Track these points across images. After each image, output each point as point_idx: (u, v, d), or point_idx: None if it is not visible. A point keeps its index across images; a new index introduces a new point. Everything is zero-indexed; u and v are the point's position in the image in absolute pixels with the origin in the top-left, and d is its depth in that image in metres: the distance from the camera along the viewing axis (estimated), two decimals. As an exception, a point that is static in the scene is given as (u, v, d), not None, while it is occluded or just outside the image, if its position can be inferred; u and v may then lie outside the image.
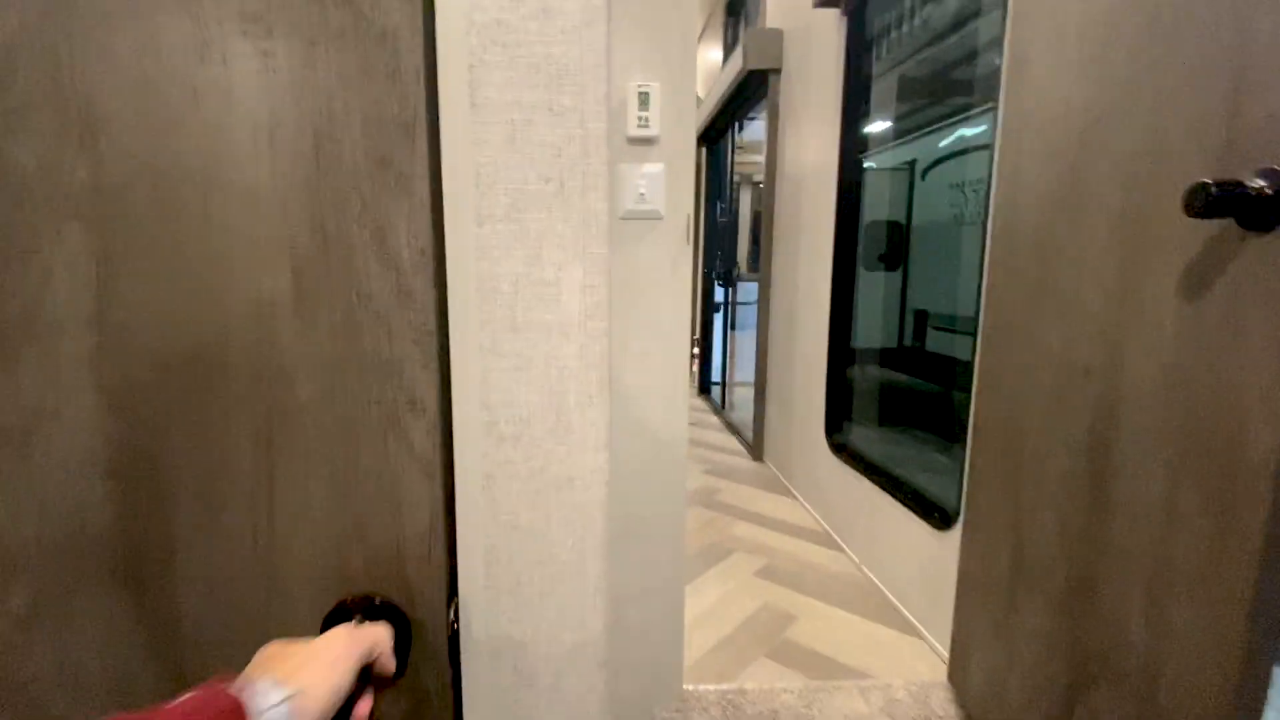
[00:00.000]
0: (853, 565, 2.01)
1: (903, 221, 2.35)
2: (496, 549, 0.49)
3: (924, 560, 1.67)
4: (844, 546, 2.11)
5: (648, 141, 0.95)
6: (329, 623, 0.45)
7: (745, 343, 4.24)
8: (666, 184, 0.96)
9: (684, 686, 1.35)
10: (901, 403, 2.37)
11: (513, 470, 0.48)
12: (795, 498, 2.55)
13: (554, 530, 0.49)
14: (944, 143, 2.09)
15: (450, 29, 0.43)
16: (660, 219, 0.97)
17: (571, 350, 0.47)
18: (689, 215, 1.00)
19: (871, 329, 2.44)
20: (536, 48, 0.44)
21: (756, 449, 3.00)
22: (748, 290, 3.91)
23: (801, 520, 2.34)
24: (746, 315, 4.17)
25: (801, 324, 2.56)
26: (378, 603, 0.47)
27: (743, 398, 3.78)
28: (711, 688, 1.38)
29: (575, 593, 0.50)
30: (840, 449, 2.21)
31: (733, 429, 3.44)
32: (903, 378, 2.38)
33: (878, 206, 2.34)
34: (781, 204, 2.85)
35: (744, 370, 4.02)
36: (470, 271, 0.46)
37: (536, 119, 0.45)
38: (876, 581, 1.89)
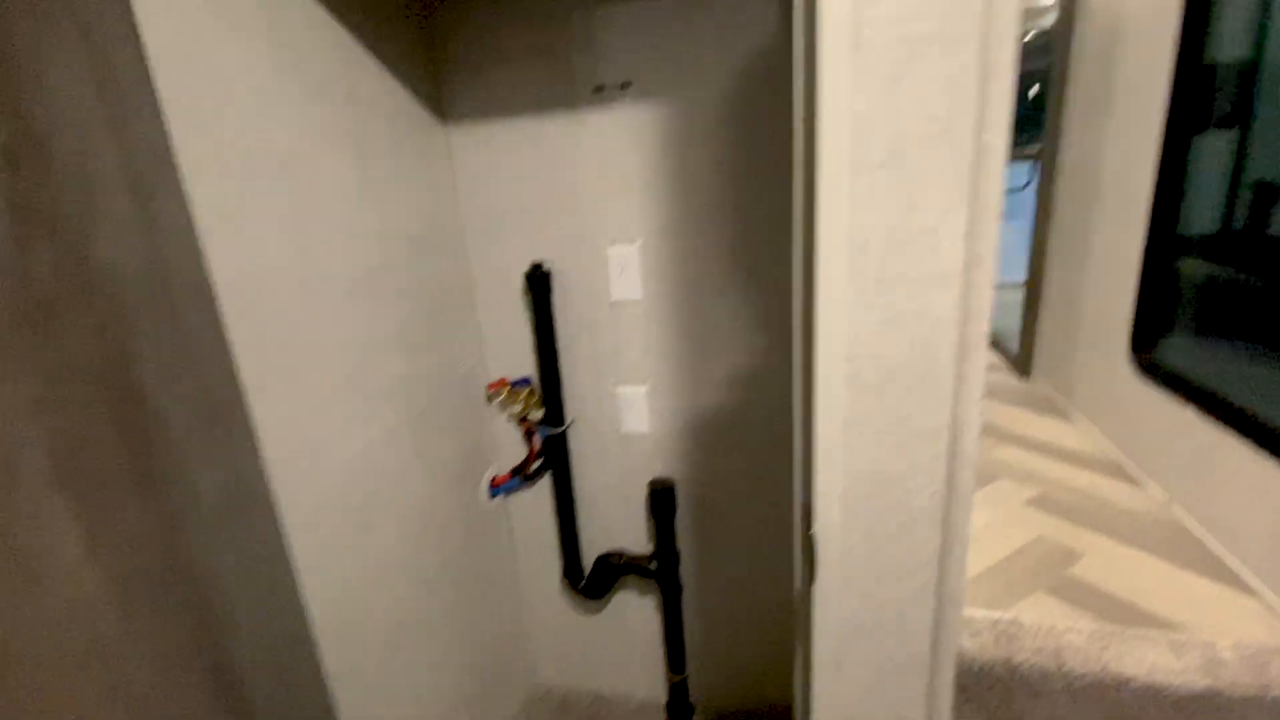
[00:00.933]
0: (1156, 504, 1.72)
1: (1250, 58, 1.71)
2: (853, 489, 0.52)
3: (1274, 507, 1.36)
4: (1145, 481, 1.81)
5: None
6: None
7: (1009, 234, 3.64)
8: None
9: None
10: (1244, 308, 1.85)
11: (873, 419, 0.49)
12: (1075, 421, 2.23)
13: (912, 478, 0.50)
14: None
15: (836, -33, 0.40)
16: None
17: (948, 301, 0.45)
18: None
19: (1203, 211, 1.90)
20: (933, -32, 0.39)
21: (1023, 363, 2.64)
22: (1013, 173, 3.30)
23: (1082, 447, 2.05)
24: (1014, 203, 3.55)
25: (1104, 209, 2.10)
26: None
27: (1003, 302, 3.31)
28: (981, 613, 1.34)
29: (929, 536, 0.51)
30: (1152, 367, 1.84)
31: (992, 339, 3.06)
32: (1247, 277, 1.84)
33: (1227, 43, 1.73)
34: (1084, 58, 2.28)
35: (1011, 270, 3.48)
36: (842, 224, 0.45)
37: (928, 52, 0.41)
38: (1193, 525, 1.60)
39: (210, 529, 0.41)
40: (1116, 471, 1.88)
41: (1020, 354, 2.64)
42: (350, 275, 0.99)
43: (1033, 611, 1.36)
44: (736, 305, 1.22)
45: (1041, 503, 1.75)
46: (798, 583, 0.61)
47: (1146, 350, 1.87)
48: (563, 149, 1.21)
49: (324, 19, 0.94)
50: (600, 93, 1.16)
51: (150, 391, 0.37)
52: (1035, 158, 2.76)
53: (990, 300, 0.45)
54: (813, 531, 0.53)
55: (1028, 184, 2.91)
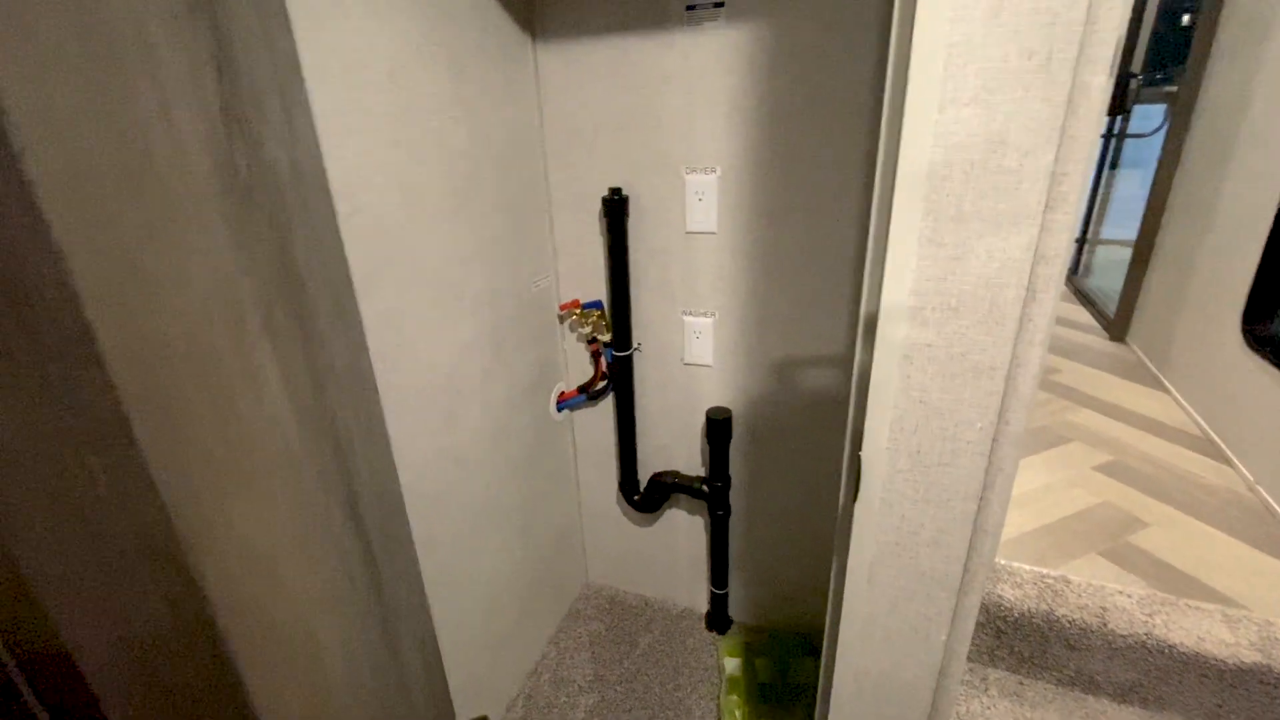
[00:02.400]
0: (1243, 483, 1.64)
1: None
2: (903, 419, 0.54)
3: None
4: (1234, 459, 1.71)
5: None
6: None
7: (1126, 187, 3.31)
8: None
9: (997, 561, 1.35)
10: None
11: (930, 353, 0.51)
12: (1167, 390, 2.10)
13: (963, 412, 0.52)
14: None
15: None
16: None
17: (1020, 242, 0.46)
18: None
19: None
20: (1052, -111, 0.38)
21: (1119, 326, 2.48)
22: (1142, 116, 2.96)
23: (1171, 418, 1.94)
24: (1134, 150, 3.20)
25: (1242, 159, 1.89)
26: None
27: (1107, 259, 3.06)
28: (1027, 567, 1.35)
29: (973, 468, 0.54)
30: (1264, 340, 1.70)
31: (1085, 298, 2.86)
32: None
33: None
34: (1247, -14, 1.98)
35: (1117, 224, 3.20)
36: (924, 158, 0.46)
37: (1032, -19, 0.40)
38: (1278, 509, 1.52)
39: (342, 389, 0.50)
40: (1202, 446, 1.78)
41: (1117, 316, 2.47)
42: (442, 188, 1.05)
43: (1083, 571, 1.36)
44: (812, 243, 1.21)
45: (1112, 469, 1.69)
46: (841, 499, 0.65)
47: (1261, 321, 1.71)
48: (649, 71, 1.20)
49: (425, -71, 0.96)
50: (691, 12, 1.13)
51: (304, 275, 0.44)
52: (1173, 97, 2.46)
53: (1068, 244, 0.45)
54: (861, 453, 0.57)
55: (1160, 127, 2.62)
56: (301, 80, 0.66)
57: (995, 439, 0.52)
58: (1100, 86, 0.41)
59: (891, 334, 0.52)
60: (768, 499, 1.48)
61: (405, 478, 0.98)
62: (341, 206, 0.83)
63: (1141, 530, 1.47)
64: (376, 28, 0.88)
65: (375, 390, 0.77)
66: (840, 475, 0.65)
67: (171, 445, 0.34)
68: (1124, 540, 1.45)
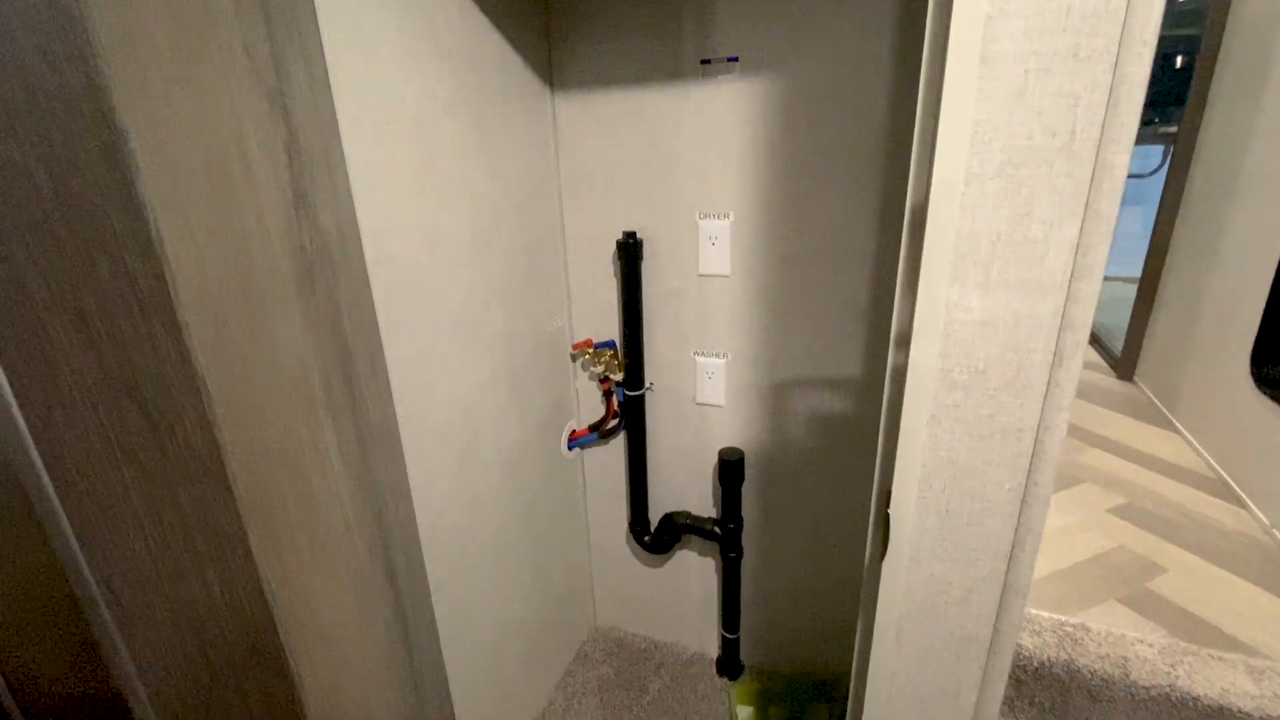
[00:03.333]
0: (1259, 527, 1.62)
1: None
2: (931, 478, 0.55)
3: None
4: (1249, 502, 1.70)
5: None
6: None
7: (1127, 224, 3.35)
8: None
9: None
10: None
11: (958, 414, 0.52)
12: (1177, 431, 2.09)
13: (991, 472, 0.53)
14: None
15: (972, -21, 0.42)
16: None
17: (1046, 309, 0.47)
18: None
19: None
20: (1072, -16, 0.40)
21: (1126, 364, 2.48)
22: (1141, 156, 3.01)
23: (1183, 459, 1.93)
24: (1134, 188, 3.25)
25: (1244, 200, 1.92)
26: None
27: (1110, 296, 3.08)
28: (1045, 614, 1.34)
29: (1002, 528, 0.54)
30: (1274, 383, 1.70)
31: (1091, 335, 2.87)
32: None
33: None
34: (1242, 27, 2.04)
35: (1119, 261, 3.22)
36: (950, 229, 0.47)
37: (1055, 67, 0.42)
38: (1299, 555, 1.51)
39: (378, 449, 0.51)
40: (1216, 488, 1.77)
41: (1124, 355, 2.48)
42: (463, 233, 1.07)
43: (1102, 619, 1.34)
44: (824, 287, 1.23)
45: (1127, 512, 1.68)
46: (868, 557, 0.65)
47: (1271, 362, 1.72)
48: (664, 120, 1.24)
49: (455, -11, 1.00)
50: (706, 66, 1.17)
51: (350, 339, 0.45)
52: (1171, 138, 2.51)
53: (1091, 311, 0.46)
54: (889, 511, 0.57)
55: (1159, 168, 2.67)
56: (339, 140, 0.68)
57: (1024, 499, 0.52)
58: (1123, 164, 0.42)
59: (920, 394, 0.53)
60: (781, 541, 1.47)
61: (424, 519, 0.98)
62: (369, 254, 0.84)
63: (1160, 576, 1.46)
64: (407, 81, 0.91)
65: (399, 442, 0.78)
66: (860, 525, 0.65)
67: (275, 550, 0.35)
68: (1142, 586, 1.43)
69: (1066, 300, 0.46)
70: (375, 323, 0.74)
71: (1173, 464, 1.92)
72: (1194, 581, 1.46)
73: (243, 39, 0.31)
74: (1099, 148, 0.43)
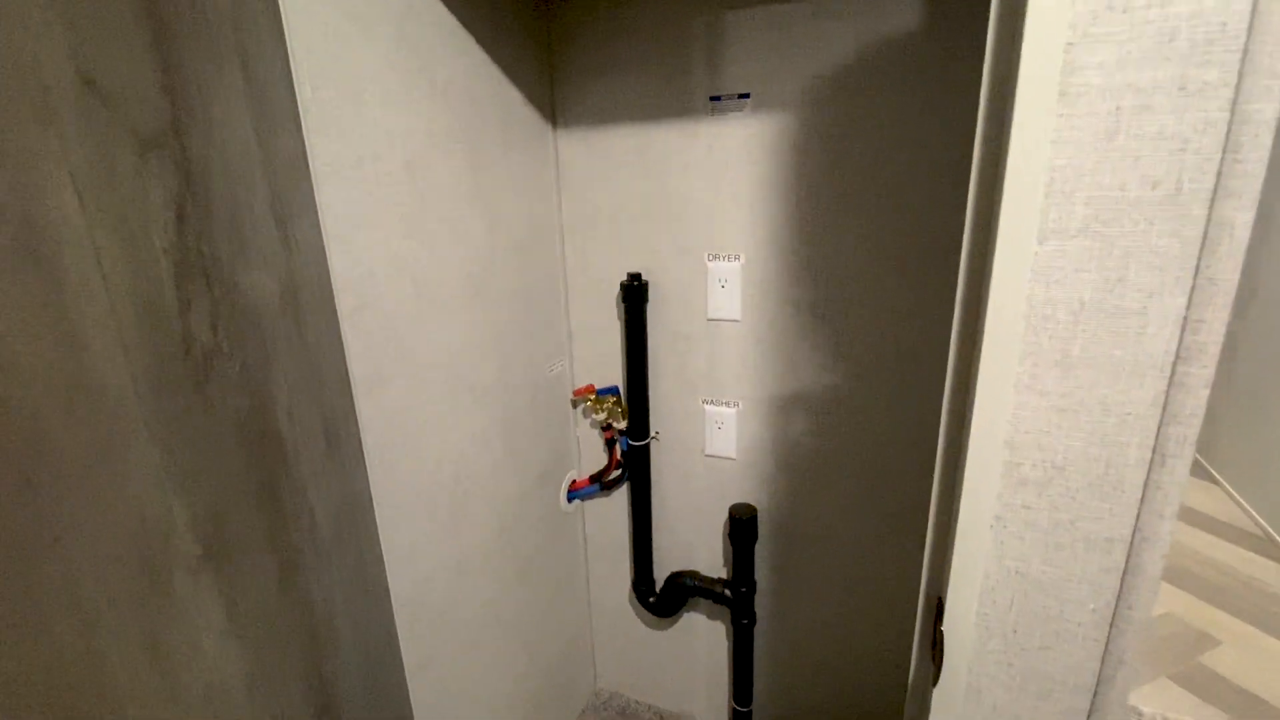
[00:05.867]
0: (1318, 592, 1.49)
1: None
2: (995, 591, 0.45)
3: None
4: (1304, 564, 1.57)
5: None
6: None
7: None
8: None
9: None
10: None
11: (1030, 517, 0.43)
12: (1217, 482, 1.97)
13: (1072, 589, 0.43)
14: None
15: (1045, 2, 0.34)
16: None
17: (1144, 396, 0.38)
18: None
19: None
20: (1177, 6, 0.32)
21: (1155, 408, 2.36)
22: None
23: (1226, 514, 1.81)
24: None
25: None
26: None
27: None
28: (1091, 694, 1.21)
29: (1084, 656, 0.44)
30: (1325, 436, 1.59)
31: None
32: None
33: None
34: None
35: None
36: (1019, 295, 0.39)
37: (1156, 103, 0.34)
38: (1367, 627, 1.37)
39: (323, 558, 0.42)
40: (1264, 547, 1.64)
41: (1151, 398, 2.37)
42: (457, 278, 1.00)
43: (1156, 700, 1.21)
44: (843, 337, 1.14)
45: (1171, 574, 1.55)
46: (913, 675, 0.55)
47: (1320, 413, 1.61)
48: (671, 158, 1.18)
49: (451, 24, 0.95)
50: (716, 103, 1.11)
51: (283, 426, 0.37)
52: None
53: (1203, 401, 0.37)
54: (942, 628, 0.47)
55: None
56: (309, 183, 0.61)
57: (1114, 624, 0.43)
58: (1244, 224, 0.34)
59: (981, 489, 0.43)
60: (799, 608, 1.35)
61: (405, 593, 0.88)
62: (347, 302, 0.76)
63: (1213, 649, 1.33)
64: (397, 119, 0.85)
65: (372, 517, 0.69)
66: (887, 600, 0.54)
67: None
68: (1195, 661, 1.30)
69: (1170, 385, 0.37)
70: (346, 382, 0.66)
71: (1216, 519, 1.79)
72: (1251, 655, 1.33)
73: (75, 62, 0.23)
74: (1212, 202, 0.34)
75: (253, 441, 0.35)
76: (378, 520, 0.79)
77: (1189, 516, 1.79)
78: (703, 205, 1.18)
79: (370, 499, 0.65)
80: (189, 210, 0.30)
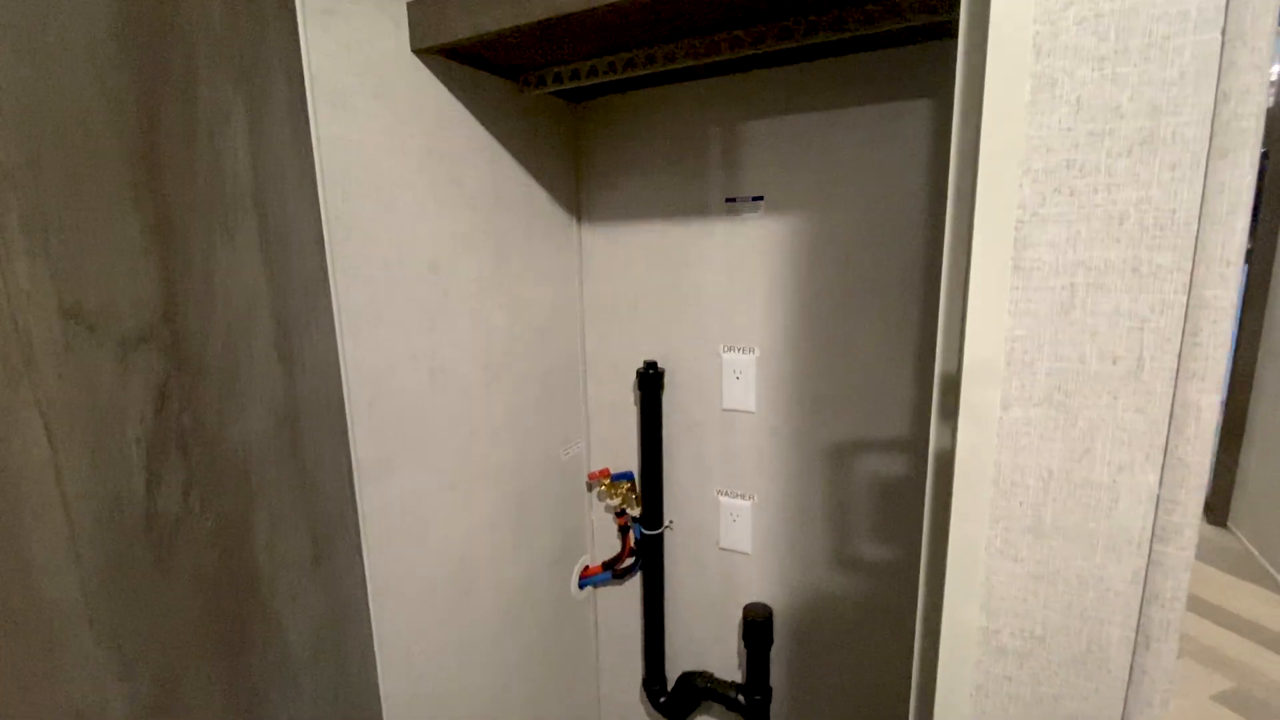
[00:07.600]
0: None
1: None
2: (980, 766, 0.42)
3: None
4: (1398, 700, 1.40)
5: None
6: None
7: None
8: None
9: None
10: None
11: (1012, 690, 0.40)
12: (1291, 594, 1.79)
13: (1061, 772, 0.40)
14: None
15: (998, 182, 0.35)
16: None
17: (1122, 574, 0.36)
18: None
19: None
20: (1126, 191, 0.33)
21: (1217, 509, 2.21)
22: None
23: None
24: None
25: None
26: None
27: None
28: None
29: None
30: None
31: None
32: None
33: None
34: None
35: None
36: (986, 459, 0.38)
37: (1109, 283, 0.34)
38: None
39: (293, 681, 0.42)
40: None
41: (1213, 496, 2.21)
42: (475, 364, 1.04)
43: None
44: (858, 432, 1.12)
45: (1235, 699, 1.40)
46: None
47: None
48: (687, 253, 1.21)
49: (483, 137, 1.02)
50: (732, 204, 1.15)
51: (260, 561, 0.38)
52: (1246, 253, 2.35)
53: (1185, 584, 0.35)
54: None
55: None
56: (328, 288, 0.65)
57: (1110, 817, 0.39)
58: (1210, 407, 0.33)
59: (959, 656, 0.41)
60: (816, 715, 1.27)
61: (400, 685, 0.87)
62: (365, 395, 0.80)
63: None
64: (425, 224, 0.91)
65: (368, 619, 0.69)
66: None
67: None
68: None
69: (1149, 564, 0.36)
70: (349, 476, 0.68)
71: (1290, 638, 1.62)
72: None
73: (58, 294, 0.23)
74: (1175, 382, 0.34)
75: (220, 590, 0.36)
76: (373, 615, 0.79)
77: (1255, 633, 1.63)
78: (718, 298, 1.20)
79: (365, 597, 0.65)
80: (172, 390, 0.32)
